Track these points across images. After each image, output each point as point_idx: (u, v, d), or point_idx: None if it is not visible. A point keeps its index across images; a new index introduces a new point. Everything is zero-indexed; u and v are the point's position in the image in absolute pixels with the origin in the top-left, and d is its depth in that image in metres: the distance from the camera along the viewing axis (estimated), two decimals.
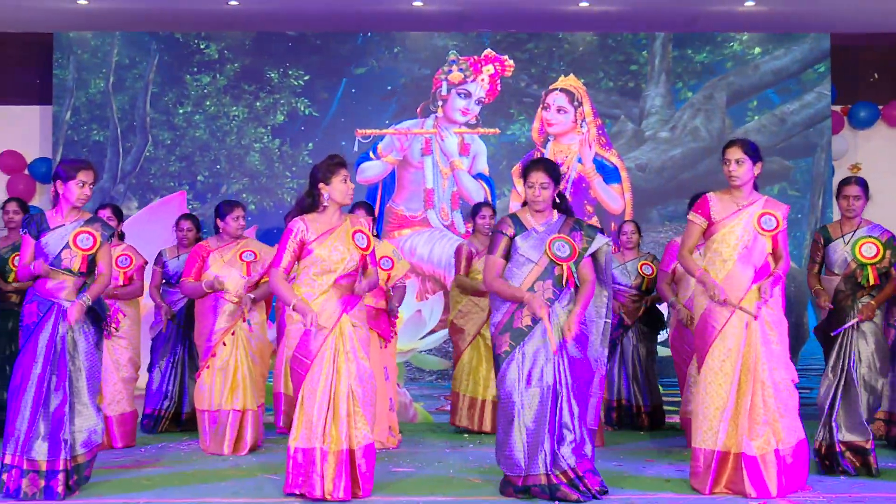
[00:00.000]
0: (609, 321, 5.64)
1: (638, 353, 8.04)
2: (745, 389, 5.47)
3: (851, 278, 6.09)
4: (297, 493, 5.35)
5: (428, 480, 6.03)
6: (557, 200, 5.61)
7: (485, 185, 9.32)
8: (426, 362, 8.88)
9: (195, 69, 9.42)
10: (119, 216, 7.65)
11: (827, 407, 6.07)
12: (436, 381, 9.10)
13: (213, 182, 9.36)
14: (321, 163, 5.62)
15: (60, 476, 5.46)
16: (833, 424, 6.04)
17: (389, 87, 9.46)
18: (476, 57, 9.41)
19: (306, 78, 9.40)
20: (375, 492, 5.55)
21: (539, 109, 9.41)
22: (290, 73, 9.39)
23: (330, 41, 9.48)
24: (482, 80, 9.38)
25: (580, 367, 5.44)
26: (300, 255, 5.50)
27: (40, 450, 5.46)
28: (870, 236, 6.14)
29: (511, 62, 9.37)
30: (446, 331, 8.67)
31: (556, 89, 9.39)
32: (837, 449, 6.02)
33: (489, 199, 9.20)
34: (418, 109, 9.40)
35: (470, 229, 8.38)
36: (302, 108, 9.39)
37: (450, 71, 9.39)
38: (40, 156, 9.83)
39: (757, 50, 9.47)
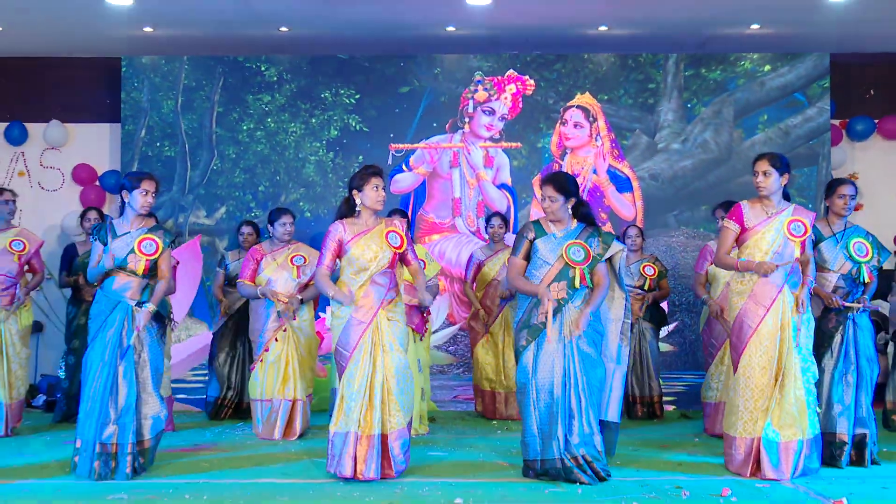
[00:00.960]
0: (629, 321, 5.57)
1: (641, 348, 7.91)
2: (784, 383, 5.40)
3: (849, 276, 5.87)
4: (335, 472, 5.34)
5: (459, 464, 5.94)
6: (579, 210, 5.53)
7: (507, 195, 9.29)
8: (434, 357, 8.72)
9: (256, 90, 9.41)
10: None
11: (828, 400, 5.83)
12: (450, 374, 9.12)
13: (274, 191, 9.34)
14: (357, 172, 5.67)
15: (128, 458, 5.45)
16: (836, 417, 5.79)
17: (429, 104, 9.39)
18: (500, 77, 9.38)
19: (357, 96, 9.37)
20: (410, 474, 5.53)
21: (557, 125, 9.35)
22: (341, 92, 9.36)
23: (376, 63, 9.45)
24: (505, 98, 9.35)
25: (591, 363, 5.34)
26: (339, 255, 5.51)
27: (110, 434, 5.43)
28: (858, 235, 5.96)
29: (532, 82, 9.32)
30: (452, 328, 9.01)
31: (574, 106, 9.35)
32: (837, 440, 5.79)
33: (511, 207, 9.26)
34: (447, 125, 9.37)
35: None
36: (353, 124, 9.36)
37: (476, 90, 9.36)
38: (110, 168, 9.86)
39: (767, 67, 9.33)
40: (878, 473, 5.61)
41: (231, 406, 8.04)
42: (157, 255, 5.63)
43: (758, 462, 5.42)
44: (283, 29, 9.15)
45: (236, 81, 9.40)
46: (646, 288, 7.83)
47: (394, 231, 5.54)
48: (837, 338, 5.86)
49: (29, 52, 9.80)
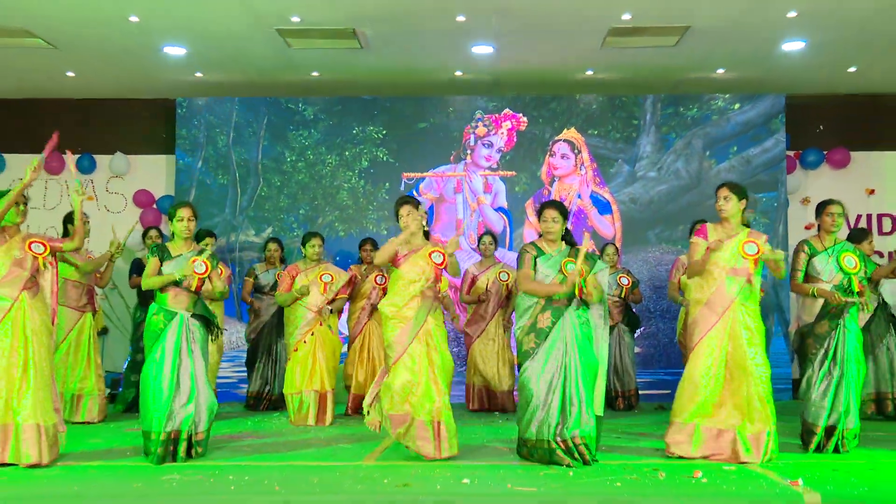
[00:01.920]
0: (607, 325, 5.56)
1: (620, 348, 7.92)
2: (733, 381, 5.38)
3: (840, 286, 5.79)
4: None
5: (464, 448, 5.87)
6: (566, 234, 5.62)
7: (504, 217, 9.33)
8: None
9: (296, 126, 9.47)
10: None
11: (820, 395, 5.71)
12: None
13: (312, 214, 9.40)
14: (396, 202, 5.76)
15: (184, 445, 5.46)
16: (815, 410, 5.71)
17: (443, 138, 9.43)
18: (497, 115, 9.42)
19: (383, 132, 9.41)
20: (421, 458, 5.48)
21: (546, 156, 9.38)
22: (369, 128, 9.41)
23: (397, 103, 9.49)
24: (501, 133, 9.39)
25: (588, 358, 5.34)
26: (395, 264, 5.61)
27: (172, 423, 5.45)
28: (847, 250, 5.89)
29: (525, 119, 9.37)
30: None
31: (561, 140, 9.38)
32: (829, 432, 5.69)
33: (507, 227, 9.32)
34: (451, 157, 9.42)
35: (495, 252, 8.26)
36: (381, 156, 9.41)
37: (476, 126, 9.41)
38: (165, 194, 9.92)
39: (737, 106, 9.34)
40: (842, 459, 5.53)
41: (269, 399, 8.05)
42: (206, 275, 5.65)
43: (702, 445, 5.41)
44: (315, 74, 9.18)
45: (279, 119, 9.45)
46: (622, 296, 7.86)
47: (436, 251, 5.58)
48: (828, 341, 5.76)
49: (97, 94, 9.86)
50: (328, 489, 4.64)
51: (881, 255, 9.81)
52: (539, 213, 5.64)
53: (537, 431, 5.28)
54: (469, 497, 4.48)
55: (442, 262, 5.54)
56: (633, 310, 8.19)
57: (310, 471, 5.15)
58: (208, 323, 5.73)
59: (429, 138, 9.42)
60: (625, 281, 7.83)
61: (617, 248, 8.11)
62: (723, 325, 5.43)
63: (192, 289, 5.60)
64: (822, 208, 6.01)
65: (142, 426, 5.52)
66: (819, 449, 5.70)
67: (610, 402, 7.19)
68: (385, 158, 9.40)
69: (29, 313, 5.36)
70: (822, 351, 5.75)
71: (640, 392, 8.20)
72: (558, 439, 5.22)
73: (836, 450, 5.68)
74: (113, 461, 5.49)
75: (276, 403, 7.98)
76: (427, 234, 5.78)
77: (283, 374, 7.51)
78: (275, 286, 7.76)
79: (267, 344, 8.08)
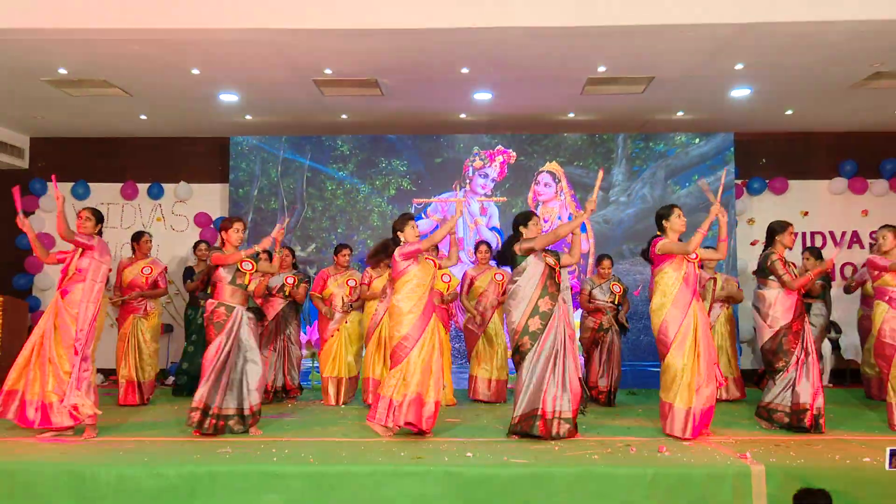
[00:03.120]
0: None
1: (611, 348, 7.34)
2: (699, 365, 5.33)
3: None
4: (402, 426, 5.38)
5: (468, 427, 5.89)
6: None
7: (497, 235, 9.27)
8: None
9: (334, 160, 9.45)
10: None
11: (804, 379, 5.62)
12: (454, 364, 8.90)
13: (348, 233, 9.36)
14: (397, 220, 5.68)
15: (235, 419, 5.48)
16: (798, 392, 5.61)
17: (453, 169, 9.40)
18: (491, 150, 9.40)
19: (407, 164, 9.40)
20: (433, 434, 5.48)
21: (532, 184, 9.36)
22: (395, 162, 9.40)
23: (416, 140, 9.48)
24: (495, 165, 9.36)
25: (573, 348, 5.38)
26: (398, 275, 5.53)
27: (228, 401, 5.48)
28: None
29: (514, 153, 9.34)
30: None
31: (544, 171, 9.36)
32: (795, 409, 5.61)
33: (500, 243, 9.12)
34: (454, 185, 9.40)
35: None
36: (405, 185, 9.37)
37: (474, 160, 9.38)
38: (220, 216, 9.92)
39: (696, 140, 9.32)
40: (785, 436, 5.48)
41: (272, 390, 7.34)
42: (254, 271, 5.66)
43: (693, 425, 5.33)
44: (344, 116, 9.21)
45: (320, 154, 9.44)
46: (615, 302, 7.43)
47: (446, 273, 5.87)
48: (800, 335, 5.69)
49: (165, 133, 9.91)
50: (354, 461, 4.63)
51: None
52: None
53: (528, 405, 5.24)
54: (471, 467, 4.47)
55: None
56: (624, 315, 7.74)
57: (339, 446, 5.14)
58: (258, 314, 5.76)
59: (442, 170, 9.40)
60: (617, 289, 7.46)
61: (612, 260, 7.69)
62: (690, 319, 5.37)
63: (245, 284, 5.61)
64: (784, 228, 5.93)
65: (197, 402, 5.43)
66: (814, 425, 5.52)
67: (595, 398, 7.05)
68: (409, 187, 9.38)
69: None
70: (799, 343, 5.68)
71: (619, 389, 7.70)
72: (550, 414, 5.20)
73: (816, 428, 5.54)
74: (172, 437, 5.49)
75: (280, 395, 7.43)
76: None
77: (289, 366, 7.39)
78: (282, 288, 7.39)
79: (272, 339, 7.41)
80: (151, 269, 7.44)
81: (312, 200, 9.42)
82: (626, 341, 8.43)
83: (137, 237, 7.61)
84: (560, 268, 5.51)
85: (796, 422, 5.59)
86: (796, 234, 6.11)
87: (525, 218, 5.56)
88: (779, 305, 5.74)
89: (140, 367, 7.22)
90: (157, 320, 7.48)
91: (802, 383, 5.61)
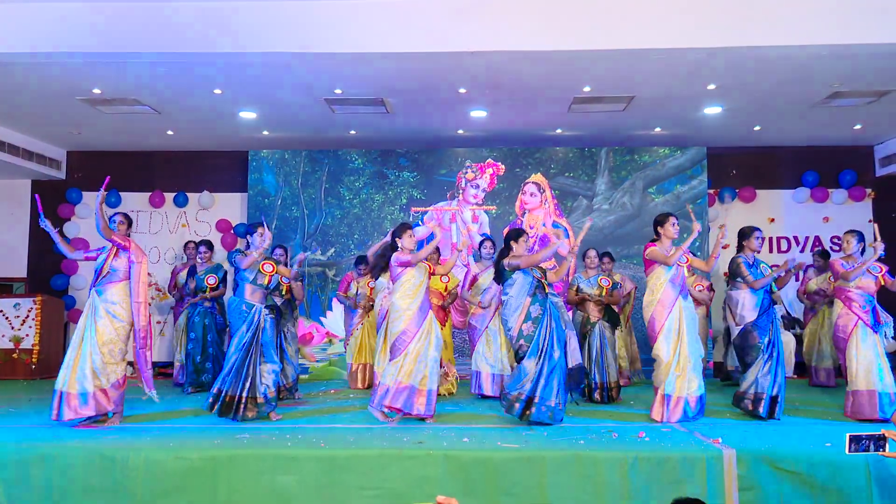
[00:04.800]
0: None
1: (602, 343, 6.67)
2: (681, 358, 5.41)
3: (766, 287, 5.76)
4: (394, 410, 5.40)
5: (466, 415, 5.87)
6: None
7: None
8: None
9: (349, 173, 9.41)
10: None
11: (766, 371, 5.58)
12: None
13: (364, 238, 9.31)
14: (397, 227, 5.65)
15: (243, 405, 5.46)
16: (772, 382, 5.56)
17: (454, 181, 9.39)
18: (482, 164, 9.38)
19: (416, 175, 9.37)
20: (433, 420, 5.48)
21: (519, 194, 9.33)
22: (404, 174, 9.38)
23: (422, 154, 9.44)
24: (485, 177, 9.35)
25: (563, 342, 5.36)
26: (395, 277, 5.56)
27: (237, 389, 5.48)
28: (762, 262, 5.86)
29: (503, 166, 9.33)
30: None
31: (530, 182, 9.34)
32: (774, 400, 5.55)
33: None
34: (448, 195, 9.38)
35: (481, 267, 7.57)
36: (416, 195, 9.35)
37: (466, 172, 9.37)
38: (240, 222, 9.90)
39: (668, 151, 9.29)
40: (755, 423, 5.44)
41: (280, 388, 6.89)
42: (274, 272, 5.65)
43: (667, 409, 5.42)
44: (353, 132, 9.20)
45: (337, 167, 9.42)
46: (602, 296, 6.80)
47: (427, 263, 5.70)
48: (770, 332, 5.65)
49: (190, 147, 9.90)
50: (361, 445, 4.62)
51: (777, 266, 9.77)
52: (519, 236, 5.55)
53: (520, 387, 5.26)
54: (469, 451, 4.45)
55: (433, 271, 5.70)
56: (614, 308, 7.06)
57: (347, 431, 5.12)
58: (278, 310, 5.75)
59: (447, 181, 9.38)
60: (605, 282, 6.85)
61: (598, 252, 7.15)
62: (674, 315, 5.45)
63: (265, 284, 5.61)
64: (750, 233, 5.89)
65: (217, 388, 5.47)
66: (769, 412, 5.51)
67: (589, 394, 6.59)
68: (418, 196, 9.35)
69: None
70: (766, 338, 5.66)
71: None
72: (528, 400, 5.21)
73: (778, 414, 5.52)
74: (194, 423, 5.48)
75: (283, 393, 6.84)
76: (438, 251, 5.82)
77: (287, 366, 6.91)
78: (278, 286, 6.94)
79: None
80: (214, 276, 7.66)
81: (331, 209, 9.41)
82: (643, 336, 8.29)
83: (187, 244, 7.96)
84: (545, 282, 5.49)
85: (753, 409, 5.61)
86: (763, 239, 6.08)
87: (517, 234, 5.54)
88: (746, 304, 5.74)
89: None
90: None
91: (764, 374, 5.61)
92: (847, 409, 5.77)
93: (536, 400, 5.18)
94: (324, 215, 9.39)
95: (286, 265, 7.41)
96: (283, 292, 7.10)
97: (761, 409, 5.52)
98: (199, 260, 7.73)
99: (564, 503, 4.19)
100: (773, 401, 5.53)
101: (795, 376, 8.66)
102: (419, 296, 5.45)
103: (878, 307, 5.84)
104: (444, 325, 7.27)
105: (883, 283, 5.86)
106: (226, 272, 7.70)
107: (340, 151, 9.50)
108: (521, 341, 5.30)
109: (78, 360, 5.27)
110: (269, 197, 9.41)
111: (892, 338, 5.89)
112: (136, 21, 6.38)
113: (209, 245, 7.80)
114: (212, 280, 7.54)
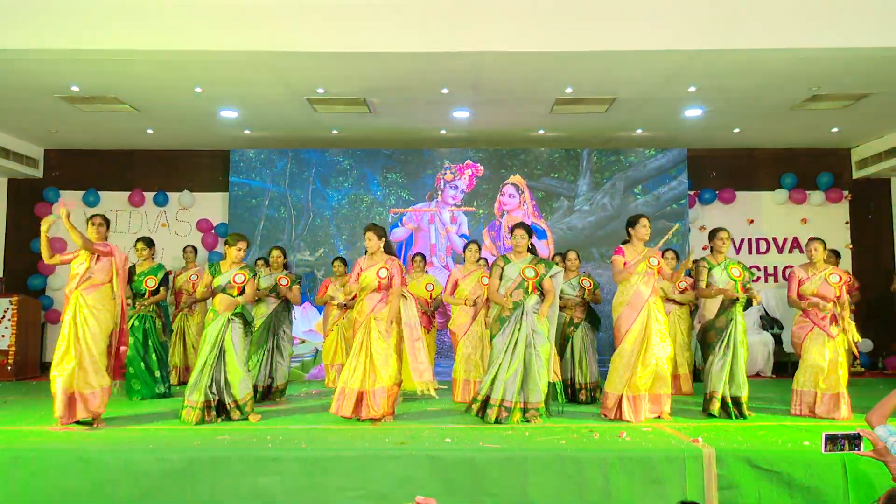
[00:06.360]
0: (555, 319, 5.62)
1: (584, 343, 6.65)
2: (646, 359, 5.47)
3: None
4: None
5: (448, 417, 5.83)
6: (530, 247, 5.68)
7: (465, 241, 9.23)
8: None
9: (337, 173, 9.37)
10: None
11: (719, 370, 5.65)
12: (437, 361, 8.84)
13: (353, 239, 9.27)
14: (366, 226, 5.72)
15: (215, 411, 5.50)
16: (725, 384, 5.64)
17: (440, 182, 9.37)
18: (460, 165, 9.37)
19: (403, 176, 9.34)
20: (414, 420, 5.50)
21: (498, 195, 9.34)
22: (390, 175, 9.35)
23: (408, 156, 9.41)
24: (464, 178, 9.35)
25: (541, 340, 5.41)
26: (358, 278, 5.59)
27: (210, 394, 5.48)
28: (732, 263, 5.87)
29: (482, 167, 9.32)
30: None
31: (508, 183, 9.35)
32: (726, 400, 5.63)
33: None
34: (427, 196, 9.37)
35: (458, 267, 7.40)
36: (404, 195, 9.32)
37: (444, 173, 9.36)
38: (220, 222, 9.84)
39: (651, 153, 9.34)
40: (733, 422, 5.49)
41: (262, 389, 6.76)
42: (244, 283, 5.63)
43: (620, 409, 5.50)
44: (335, 131, 9.17)
45: (324, 168, 9.36)
46: (584, 296, 6.77)
47: (383, 267, 5.55)
48: (725, 332, 5.70)
49: (170, 146, 9.81)
50: (342, 446, 4.60)
51: (758, 268, 9.89)
52: (512, 231, 5.67)
53: (488, 391, 5.36)
54: (450, 451, 4.44)
55: (385, 276, 5.49)
56: (594, 309, 7.01)
57: (329, 432, 5.10)
58: (245, 319, 5.69)
59: (431, 182, 9.37)
60: (587, 283, 6.80)
61: (578, 254, 7.05)
62: (641, 319, 5.51)
63: (234, 294, 5.59)
64: (713, 234, 5.97)
65: (186, 395, 5.52)
66: (724, 410, 5.58)
67: (573, 395, 6.55)
68: (406, 197, 9.33)
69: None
70: (721, 339, 5.72)
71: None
72: (504, 401, 5.29)
73: (741, 415, 5.59)
74: (167, 424, 5.44)
75: (274, 395, 6.81)
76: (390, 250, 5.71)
77: (276, 366, 6.81)
78: (274, 288, 6.90)
79: (265, 339, 6.81)
80: (197, 276, 7.84)
81: (319, 209, 9.36)
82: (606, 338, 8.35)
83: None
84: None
85: (706, 408, 5.68)
86: (732, 239, 6.14)
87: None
88: (707, 304, 5.84)
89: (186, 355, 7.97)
90: (199, 318, 7.98)
91: (717, 373, 5.67)
92: (791, 408, 5.90)
93: (491, 401, 5.35)
94: (312, 216, 9.34)
95: (285, 266, 7.27)
96: (280, 294, 6.88)
97: (712, 407, 5.61)
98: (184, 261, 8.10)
99: (546, 503, 4.20)
100: (725, 401, 5.60)
101: (774, 376, 8.75)
102: (361, 303, 5.59)
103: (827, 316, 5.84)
104: (430, 331, 7.20)
105: (838, 293, 5.87)
106: (167, 274, 7.16)
107: (326, 153, 9.45)
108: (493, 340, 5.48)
109: (81, 360, 5.24)
110: (257, 197, 9.33)
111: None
112: (114, 15, 6.29)
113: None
114: (150, 283, 6.95)
